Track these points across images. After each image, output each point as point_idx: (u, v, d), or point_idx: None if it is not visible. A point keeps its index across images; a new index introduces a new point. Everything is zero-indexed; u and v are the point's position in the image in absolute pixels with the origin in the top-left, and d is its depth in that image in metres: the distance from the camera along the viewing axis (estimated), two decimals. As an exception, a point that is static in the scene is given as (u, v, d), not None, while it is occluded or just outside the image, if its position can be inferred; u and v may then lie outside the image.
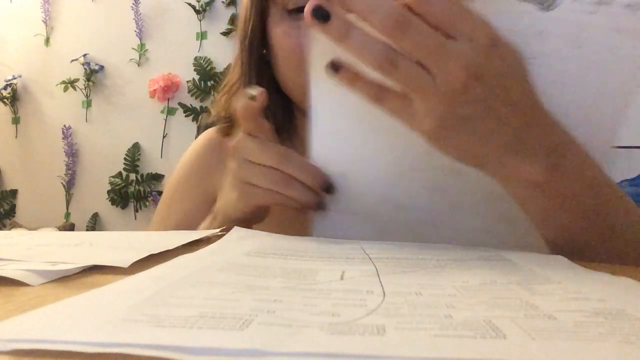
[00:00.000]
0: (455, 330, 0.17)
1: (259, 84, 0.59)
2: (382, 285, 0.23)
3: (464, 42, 0.28)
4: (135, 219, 1.72)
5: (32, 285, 0.23)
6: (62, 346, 0.14)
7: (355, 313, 0.18)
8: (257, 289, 0.22)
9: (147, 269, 0.25)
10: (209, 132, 0.69)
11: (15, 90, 1.87)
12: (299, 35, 0.53)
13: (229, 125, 0.62)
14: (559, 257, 0.31)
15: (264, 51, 0.59)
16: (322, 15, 0.30)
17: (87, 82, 1.78)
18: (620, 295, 0.22)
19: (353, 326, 0.17)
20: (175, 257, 0.28)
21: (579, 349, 0.15)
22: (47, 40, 1.84)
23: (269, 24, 0.56)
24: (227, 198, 0.45)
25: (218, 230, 0.42)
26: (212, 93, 1.63)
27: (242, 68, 0.59)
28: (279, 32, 0.55)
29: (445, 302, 0.20)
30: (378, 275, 0.25)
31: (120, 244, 0.34)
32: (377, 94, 0.32)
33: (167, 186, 0.68)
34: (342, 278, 0.25)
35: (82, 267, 0.26)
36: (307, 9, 0.30)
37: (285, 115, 0.62)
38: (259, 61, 0.59)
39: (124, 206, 1.74)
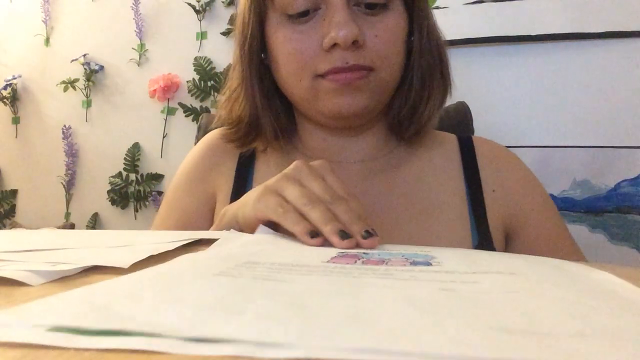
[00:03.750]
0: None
1: (260, 88, 0.59)
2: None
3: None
4: (135, 219, 1.72)
5: (32, 286, 0.23)
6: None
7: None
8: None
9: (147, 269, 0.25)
10: (212, 134, 0.69)
11: (15, 90, 1.87)
12: (300, 39, 0.53)
13: (233, 131, 0.62)
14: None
15: (263, 55, 0.59)
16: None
17: (87, 82, 1.78)
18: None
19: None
20: (175, 257, 0.28)
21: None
22: (47, 40, 1.84)
23: (268, 29, 0.56)
24: (245, 199, 0.45)
25: (218, 232, 0.42)
26: (212, 93, 1.63)
27: (242, 74, 0.59)
28: (280, 37, 0.54)
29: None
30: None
31: (120, 244, 0.34)
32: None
33: (170, 186, 0.68)
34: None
35: (82, 267, 0.26)
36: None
37: (287, 119, 0.62)
38: (259, 66, 0.58)
39: (124, 206, 1.74)
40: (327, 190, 0.41)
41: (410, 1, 0.56)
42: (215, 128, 0.68)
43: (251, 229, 0.42)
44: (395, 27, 0.54)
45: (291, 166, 0.44)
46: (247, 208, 0.43)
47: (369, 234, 0.36)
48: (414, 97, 0.58)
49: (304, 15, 0.53)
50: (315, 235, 0.37)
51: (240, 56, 0.59)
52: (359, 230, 0.37)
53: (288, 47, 0.54)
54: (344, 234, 0.36)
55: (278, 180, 0.42)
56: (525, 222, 0.59)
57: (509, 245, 0.59)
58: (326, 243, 0.37)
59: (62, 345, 0.15)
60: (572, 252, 0.58)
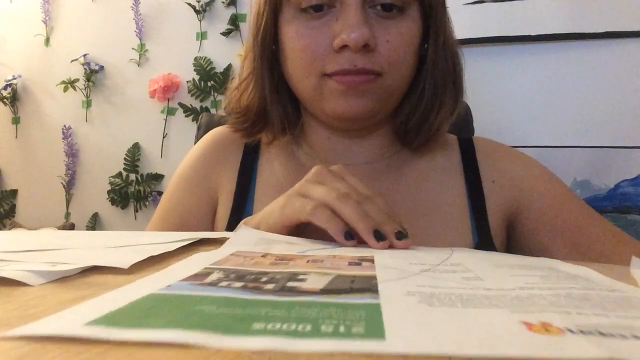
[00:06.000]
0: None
1: (270, 80, 0.59)
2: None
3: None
4: (135, 219, 1.72)
5: (32, 286, 0.23)
6: None
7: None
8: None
9: (147, 269, 0.25)
10: (216, 131, 0.69)
11: (15, 90, 1.87)
12: (311, 36, 0.53)
13: (240, 120, 0.62)
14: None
15: (274, 47, 0.58)
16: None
17: (87, 82, 1.78)
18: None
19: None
20: (174, 258, 0.28)
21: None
22: (47, 40, 1.84)
23: (281, 22, 0.56)
24: (271, 207, 0.45)
25: (218, 233, 0.42)
26: (212, 93, 1.63)
27: (253, 63, 0.59)
28: (291, 32, 0.54)
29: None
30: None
31: (120, 244, 0.34)
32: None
33: (170, 183, 0.67)
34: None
35: (82, 267, 0.26)
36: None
37: (294, 113, 0.62)
38: (271, 58, 0.58)
39: (124, 206, 1.74)
40: (352, 189, 0.41)
41: (429, 10, 0.56)
42: (226, 113, 0.67)
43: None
44: (408, 33, 0.54)
45: (312, 171, 0.45)
46: (271, 219, 0.44)
47: (402, 235, 0.37)
48: (425, 106, 0.58)
49: (317, 10, 0.52)
50: (350, 237, 0.37)
51: (253, 46, 0.59)
52: (392, 230, 0.37)
53: (298, 42, 0.53)
54: (379, 235, 0.36)
55: (301, 185, 0.43)
56: (527, 204, 0.58)
57: (513, 235, 0.59)
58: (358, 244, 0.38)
59: (101, 338, 0.15)
60: (592, 237, 0.55)
